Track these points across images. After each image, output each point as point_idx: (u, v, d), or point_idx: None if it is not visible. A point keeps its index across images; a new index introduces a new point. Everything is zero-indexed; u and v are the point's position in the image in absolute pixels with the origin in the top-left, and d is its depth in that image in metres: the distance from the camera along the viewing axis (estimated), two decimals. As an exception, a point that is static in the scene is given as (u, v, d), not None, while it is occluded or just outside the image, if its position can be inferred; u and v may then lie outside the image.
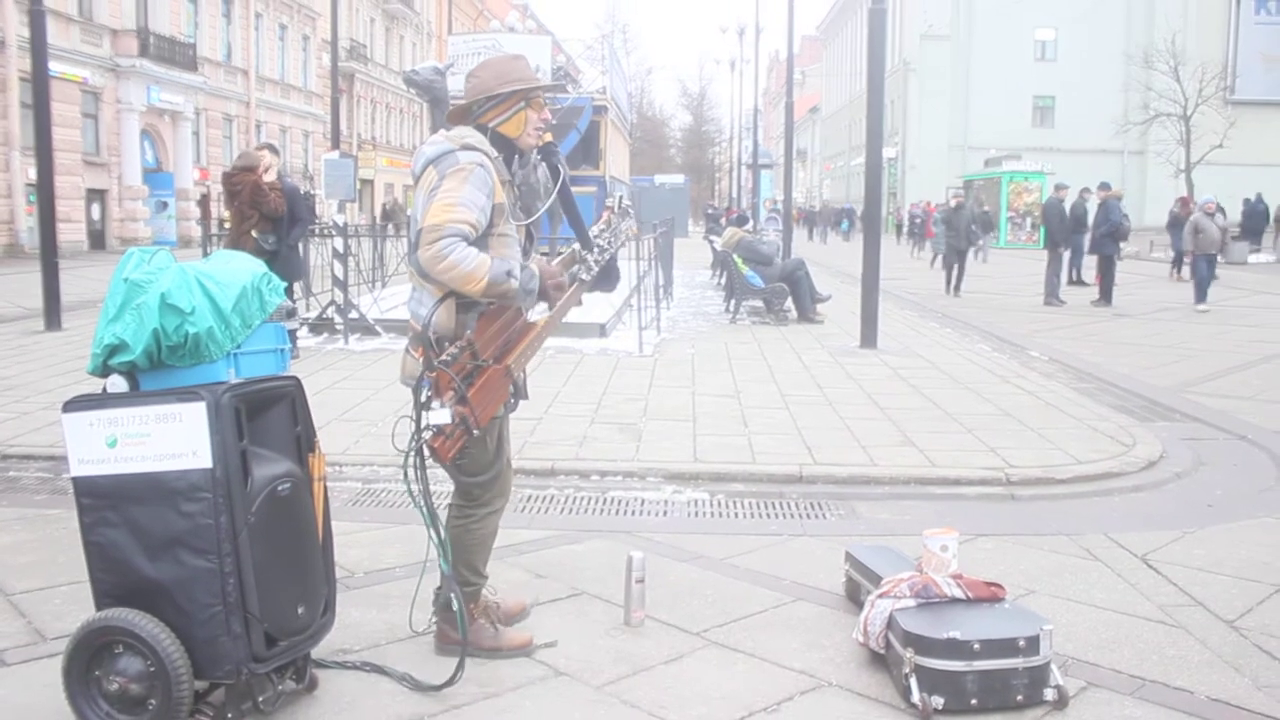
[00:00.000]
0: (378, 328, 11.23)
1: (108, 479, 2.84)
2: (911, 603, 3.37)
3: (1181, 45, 37.16)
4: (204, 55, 33.08)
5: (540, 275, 3.33)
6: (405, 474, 3.13)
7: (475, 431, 3.13)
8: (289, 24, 40.61)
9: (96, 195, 28.18)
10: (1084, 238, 19.20)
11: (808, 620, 3.86)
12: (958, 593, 3.41)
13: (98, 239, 28.09)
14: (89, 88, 27.64)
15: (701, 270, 22.41)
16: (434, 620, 3.52)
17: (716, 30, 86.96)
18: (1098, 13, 49.36)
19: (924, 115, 52.37)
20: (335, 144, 19.72)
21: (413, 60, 47.98)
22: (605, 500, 5.48)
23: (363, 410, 7.29)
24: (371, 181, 45.54)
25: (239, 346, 2.98)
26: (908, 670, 3.15)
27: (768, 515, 5.28)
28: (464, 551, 3.46)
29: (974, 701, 3.12)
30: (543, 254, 3.84)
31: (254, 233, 9.27)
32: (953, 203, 20.33)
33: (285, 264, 9.15)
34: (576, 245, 3.64)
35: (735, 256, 13.79)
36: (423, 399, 3.08)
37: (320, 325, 11.49)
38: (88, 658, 2.85)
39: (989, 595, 3.44)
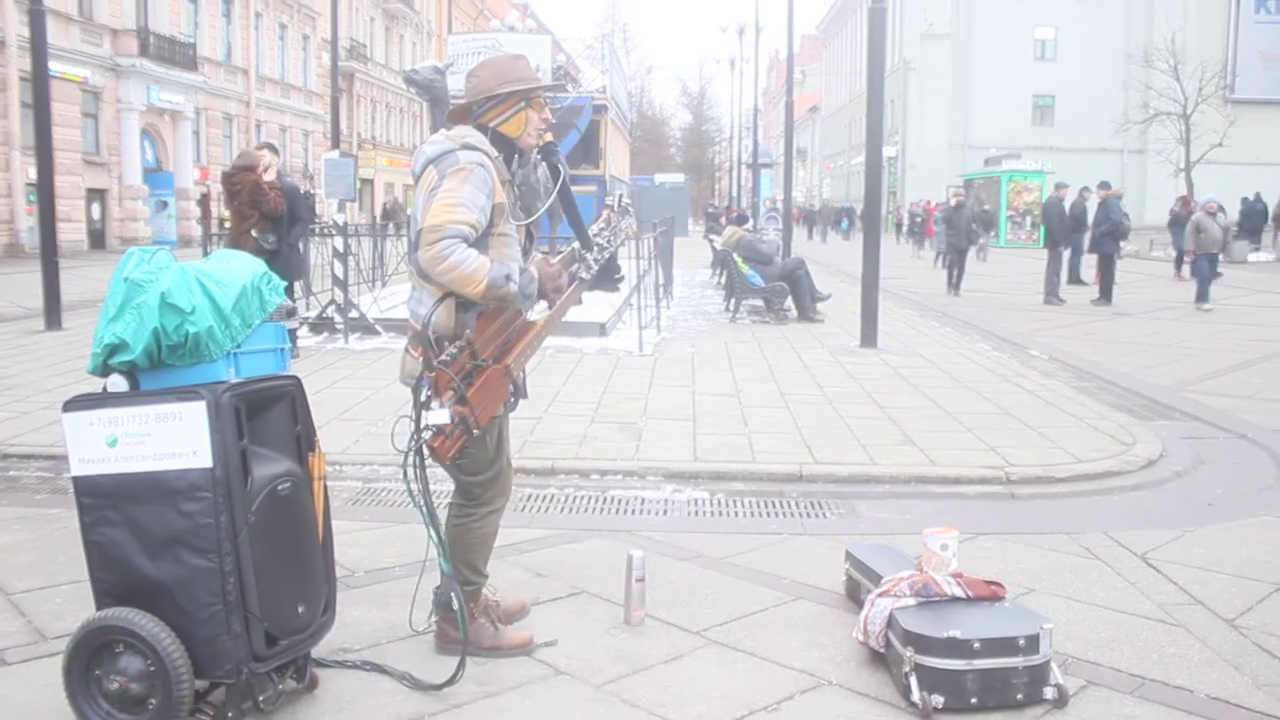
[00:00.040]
0: (378, 327, 11.23)
1: (108, 478, 2.84)
2: (911, 601, 3.38)
3: (1181, 44, 37.14)
4: (204, 55, 33.08)
5: (540, 278, 3.33)
6: (405, 473, 3.13)
7: (475, 431, 3.13)
8: (289, 23, 40.60)
9: (97, 195, 28.19)
10: (1084, 237, 19.20)
11: (808, 619, 3.86)
12: (958, 591, 3.41)
13: (98, 238, 28.10)
14: (89, 87, 27.64)
15: (701, 269, 22.41)
16: (434, 619, 3.52)
17: (716, 29, 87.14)
18: (1098, 12, 49.37)
19: (924, 114, 52.36)
20: (335, 143, 19.73)
21: (413, 60, 47.97)
22: (605, 499, 5.48)
23: (363, 409, 7.29)
24: (371, 181, 45.54)
25: (239, 346, 2.98)
26: (908, 669, 3.15)
27: (768, 514, 5.28)
28: (464, 550, 3.46)
29: (974, 700, 3.13)
30: (543, 253, 3.84)
31: (254, 232, 9.28)
32: (953, 202, 20.34)
33: (285, 263, 9.15)
34: (576, 244, 3.64)
35: (735, 255, 13.80)
36: (422, 399, 3.09)
37: (320, 324, 11.49)
38: (88, 657, 2.85)
39: (989, 594, 3.44)
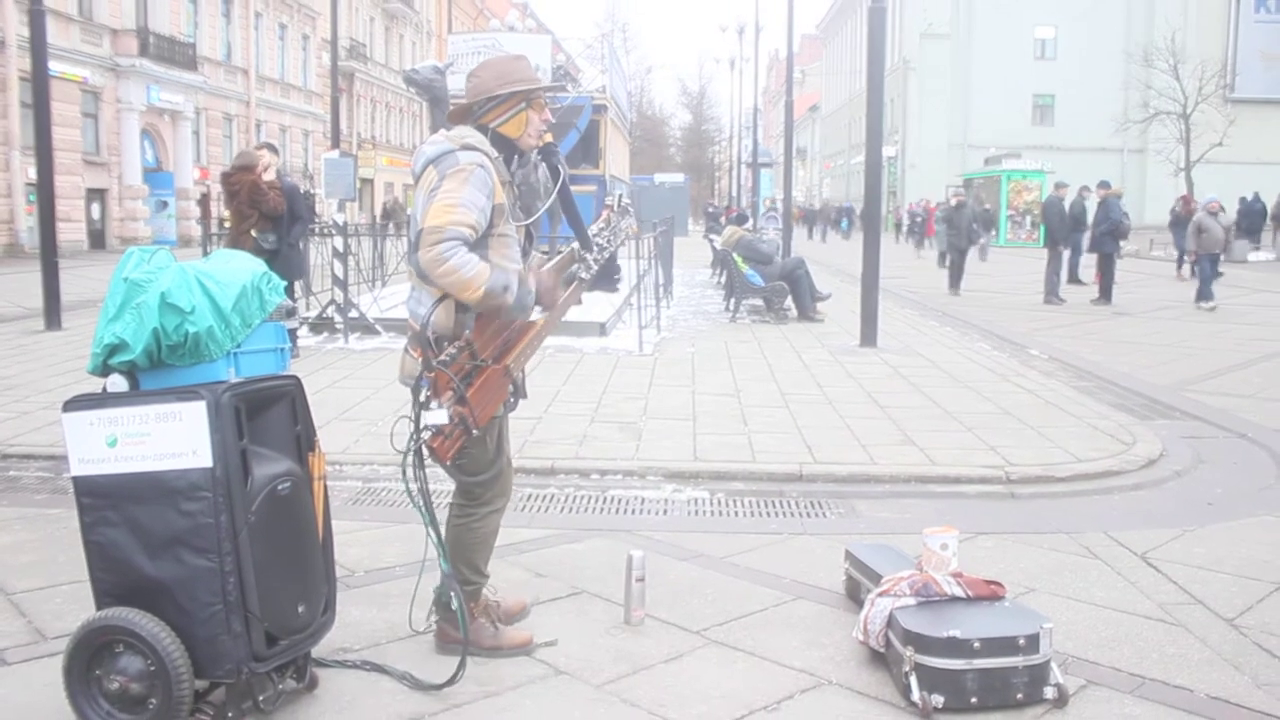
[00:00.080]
0: (378, 327, 11.23)
1: (108, 478, 2.84)
2: (911, 601, 3.38)
3: (1181, 43, 37.14)
4: (204, 55, 33.08)
5: (537, 291, 3.32)
6: (404, 473, 3.14)
7: (474, 431, 3.13)
8: (289, 23, 40.60)
9: (96, 195, 28.19)
10: (1083, 236, 19.20)
11: (808, 619, 3.86)
12: (958, 591, 3.41)
13: (98, 238, 28.09)
14: (89, 87, 27.64)
15: (701, 269, 22.41)
16: (434, 619, 3.52)
17: (716, 29, 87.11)
18: (1097, 11, 49.37)
19: (924, 114, 52.36)
20: (335, 143, 19.75)
21: (413, 59, 47.97)
22: (605, 499, 5.48)
23: (363, 409, 7.29)
24: (371, 181, 45.54)
25: (239, 346, 2.98)
26: (908, 668, 3.15)
27: (768, 514, 5.28)
28: (465, 550, 3.46)
29: (974, 700, 3.13)
30: (543, 252, 3.84)
31: (253, 232, 9.28)
32: (954, 201, 20.32)
33: (285, 263, 9.16)
34: (576, 245, 3.64)
35: (735, 255, 13.80)
36: (421, 399, 3.09)
37: (320, 324, 11.49)
38: (88, 657, 2.85)
39: (989, 593, 3.44)
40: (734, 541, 4.75)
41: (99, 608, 2.89)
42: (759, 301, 13.95)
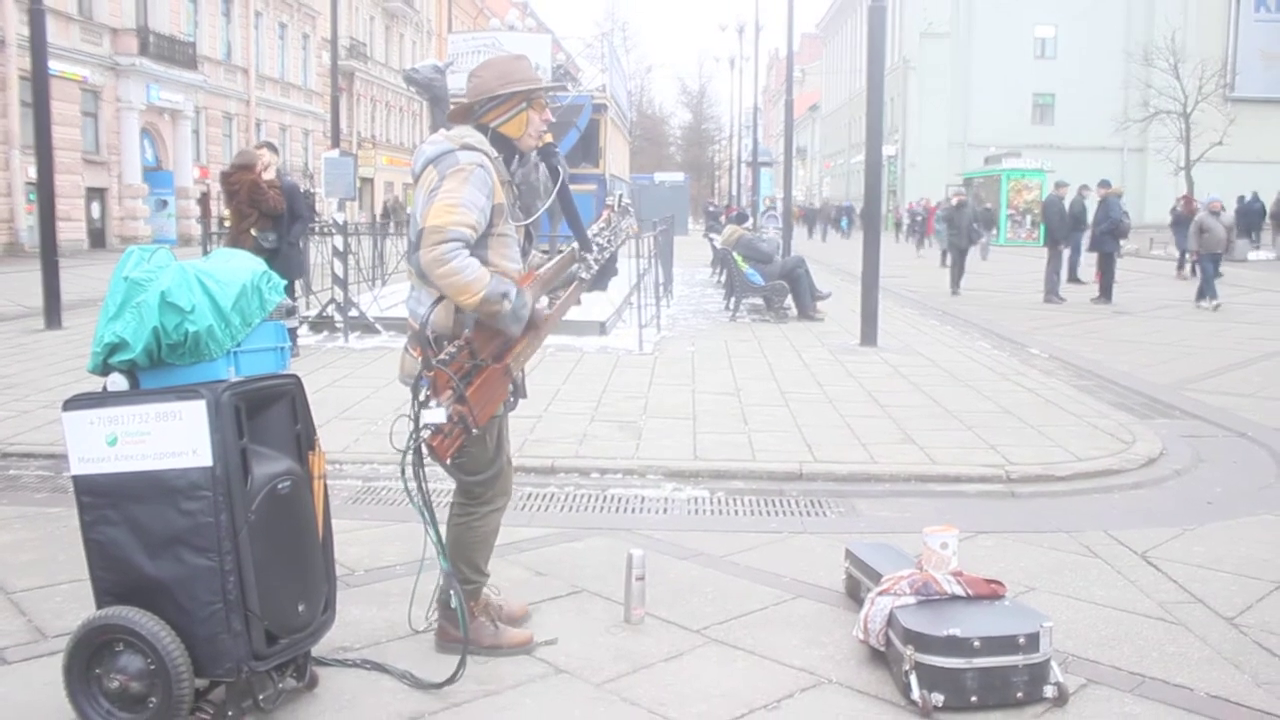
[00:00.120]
0: (377, 325, 11.23)
1: (108, 477, 2.84)
2: (911, 600, 3.38)
3: (1181, 42, 37.10)
4: (204, 54, 33.07)
5: (531, 309, 3.30)
6: (403, 472, 3.14)
7: (474, 430, 3.13)
8: (289, 22, 40.59)
9: (96, 194, 28.18)
10: (1083, 235, 19.19)
11: (808, 617, 3.86)
12: (958, 590, 3.42)
13: (98, 237, 28.09)
14: (89, 86, 27.63)
15: (701, 268, 22.41)
16: (434, 618, 3.52)
17: (716, 28, 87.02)
18: (1097, 10, 49.35)
19: (924, 113, 52.35)
20: (335, 142, 19.76)
21: (413, 58, 47.96)
22: (605, 498, 5.48)
23: (363, 408, 7.29)
24: (371, 180, 45.54)
25: (239, 345, 2.98)
26: (908, 667, 3.15)
27: (768, 513, 5.28)
28: (465, 549, 3.46)
29: (974, 699, 3.13)
30: (543, 252, 3.84)
31: (253, 231, 9.28)
32: (954, 201, 20.31)
33: (285, 262, 9.16)
34: (576, 245, 3.64)
35: (735, 254, 13.79)
36: (421, 398, 3.09)
37: (320, 323, 11.50)
38: (88, 656, 2.85)
39: (989, 592, 3.44)
40: (734, 540, 4.75)
41: (99, 606, 2.90)
42: (759, 300, 13.95)
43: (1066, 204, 17.60)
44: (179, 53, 30.96)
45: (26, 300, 13.65)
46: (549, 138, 3.48)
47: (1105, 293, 16.61)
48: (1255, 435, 7.11)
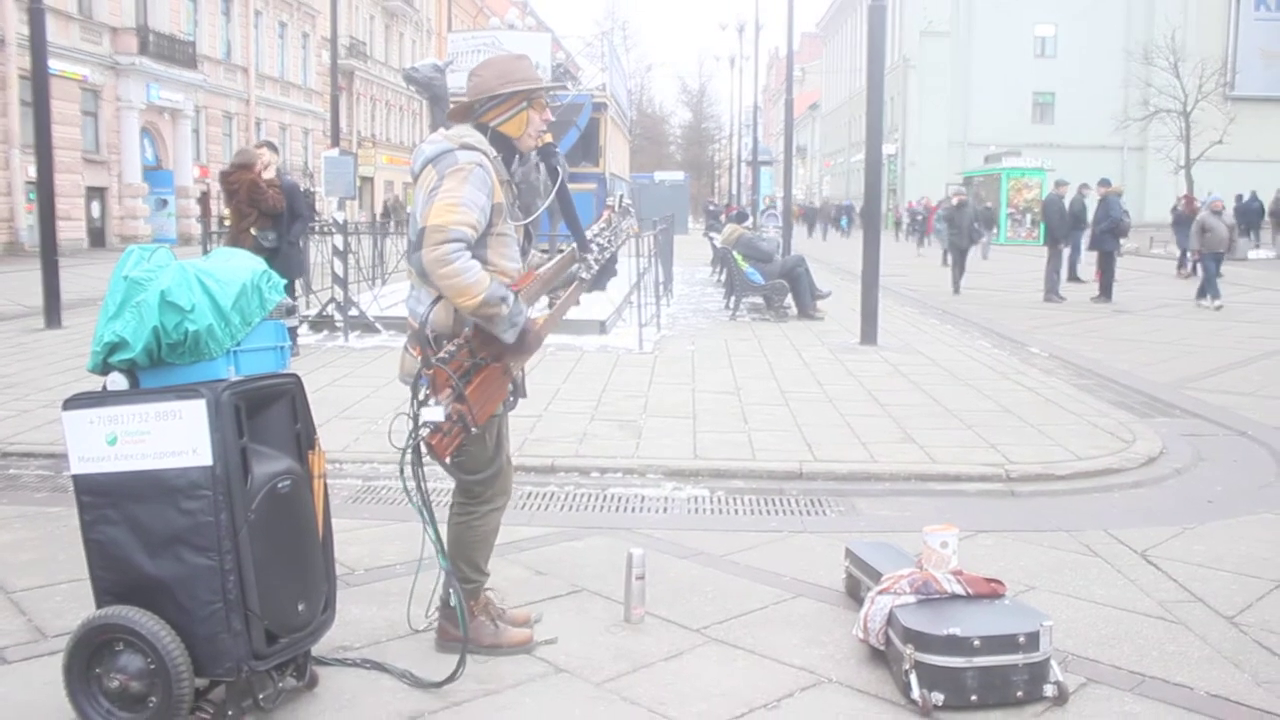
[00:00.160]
0: (377, 325, 11.23)
1: (108, 477, 2.84)
2: (911, 599, 3.38)
3: (1181, 41, 37.08)
4: (203, 53, 33.07)
5: (526, 321, 3.28)
6: (402, 471, 3.14)
7: (473, 429, 3.13)
8: (288, 21, 40.58)
9: (96, 193, 28.18)
10: (1083, 234, 19.18)
11: (808, 617, 3.86)
12: (958, 589, 3.42)
13: (98, 237, 28.09)
14: (89, 85, 27.63)
15: (701, 267, 22.41)
16: (434, 617, 3.52)
17: (716, 27, 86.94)
18: (1097, 9, 49.34)
19: (924, 112, 52.34)
20: (335, 141, 19.77)
21: (412, 57, 47.93)
22: (605, 497, 5.48)
23: (362, 407, 7.29)
24: (371, 179, 45.53)
25: (239, 344, 2.98)
26: (908, 666, 3.15)
27: (768, 512, 5.28)
28: (465, 548, 3.46)
29: (974, 698, 3.13)
30: (543, 251, 3.83)
31: (253, 230, 9.28)
32: (955, 201, 20.29)
33: (285, 261, 9.16)
34: (575, 245, 3.63)
35: (735, 253, 13.79)
36: (420, 397, 3.09)
37: (320, 322, 11.50)
38: (88, 655, 2.85)
39: (989, 591, 3.44)
40: (734, 539, 4.75)
41: (99, 606, 2.90)
42: (759, 299, 13.95)
43: (1066, 203, 17.60)
44: (179, 52, 30.95)
45: (26, 299, 13.66)
46: (548, 137, 3.48)
47: (1105, 291, 16.61)
48: (1255, 434, 7.11)
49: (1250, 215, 30.26)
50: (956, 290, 17.84)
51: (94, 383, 3.01)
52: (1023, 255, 27.83)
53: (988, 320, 13.84)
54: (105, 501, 2.85)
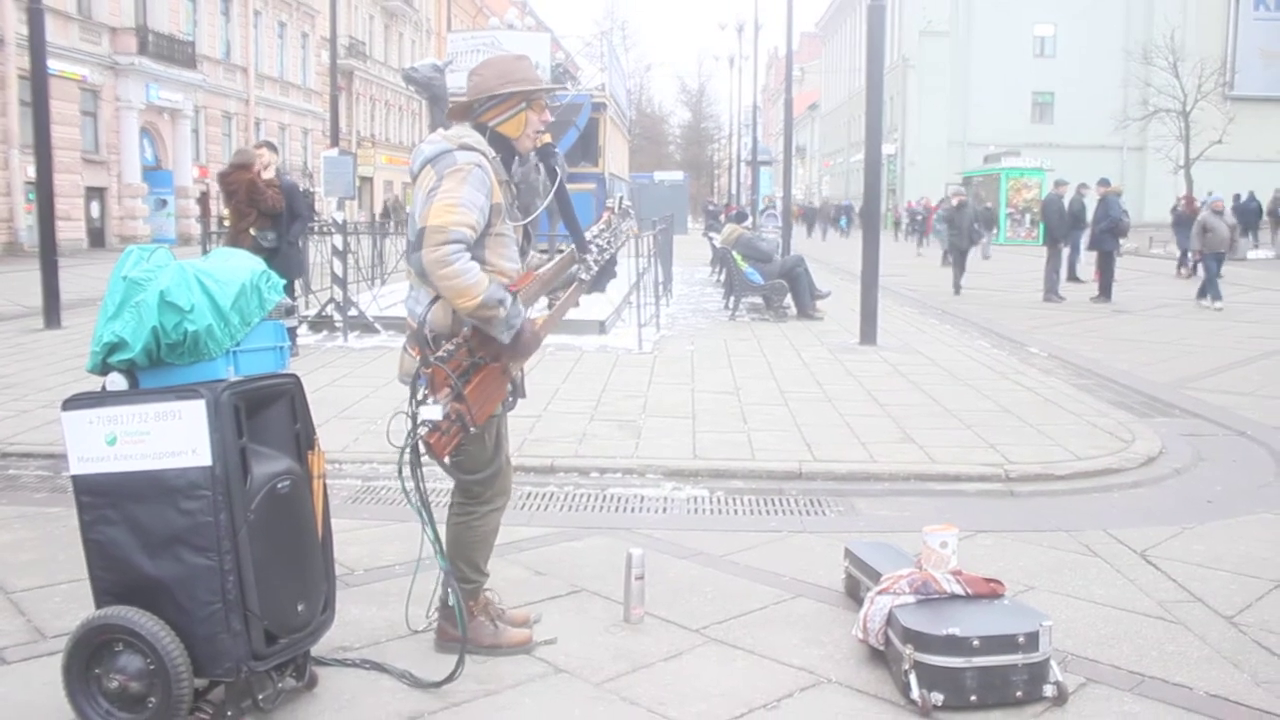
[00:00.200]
0: (377, 325, 11.23)
1: (107, 477, 2.84)
2: (911, 599, 3.38)
3: (1181, 41, 37.08)
4: (203, 53, 33.06)
5: (523, 324, 3.28)
6: (400, 471, 3.14)
7: (472, 429, 3.13)
8: (288, 21, 40.57)
9: (96, 193, 28.17)
10: (1083, 234, 19.18)
11: (807, 617, 3.86)
12: (957, 589, 3.42)
13: (97, 237, 28.08)
14: (88, 85, 27.62)
15: (701, 267, 22.41)
16: (434, 617, 3.52)
17: (715, 27, 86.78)
18: (1097, 9, 49.33)
19: (923, 111, 52.34)
20: (334, 141, 19.74)
21: (412, 57, 47.90)
22: (605, 497, 5.48)
23: (362, 408, 7.29)
24: (371, 179, 45.52)
25: (238, 344, 2.98)
26: (907, 667, 3.15)
27: (767, 512, 5.28)
28: (465, 549, 3.46)
29: (973, 698, 3.13)
30: (542, 251, 3.83)
31: (252, 230, 9.27)
32: (955, 201, 20.28)
33: (285, 261, 9.15)
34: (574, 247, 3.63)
35: (734, 253, 13.79)
36: (419, 396, 3.09)
37: (319, 322, 11.49)
38: (87, 655, 2.85)
39: (988, 591, 3.44)
40: (733, 539, 4.75)
41: (98, 606, 2.89)
42: (758, 299, 13.95)
43: (1066, 203, 17.60)
44: (178, 52, 30.95)
45: (26, 300, 13.65)
46: (547, 138, 3.48)
47: (1105, 291, 16.61)
48: (1255, 434, 7.11)
49: (1248, 215, 30.24)
50: (957, 291, 17.82)
51: (93, 383, 3.01)
52: (1022, 255, 27.83)
53: (987, 320, 13.84)
54: (105, 502, 2.85)
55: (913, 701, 3.12)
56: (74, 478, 2.89)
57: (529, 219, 3.49)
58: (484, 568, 3.54)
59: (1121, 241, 17.93)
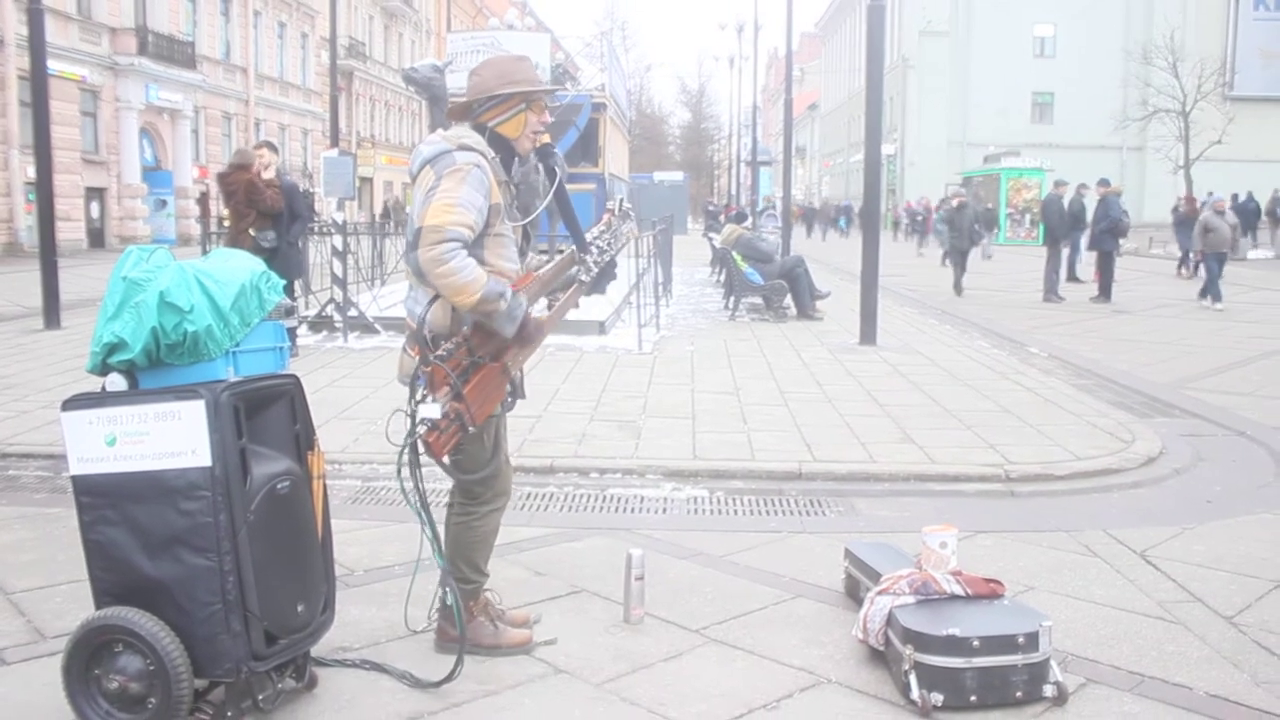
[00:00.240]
0: (377, 325, 11.23)
1: (107, 477, 2.84)
2: (911, 599, 3.38)
3: (1180, 41, 37.08)
4: (203, 53, 33.05)
5: (526, 314, 3.29)
6: (399, 471, 3.14)
7: (470, 428, 3.13)
8: (287, 22, 40.57)
9: (95, 193, 28.16)
10: (1082, 234, 19.18)
11: (807, 617, 3.86)
12: (957, 589, 3.42)
13: (97, 237, 28.07)
14: (88, 86, 27.60)
15: (701, 267, 22.41)
16: (434, 618, 3.52)
17: (715, 27, 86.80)
18: (1097, 9, 49.35)
19: (923, 112, 52.33)
20: (334, 142, 19.74)
21: (412, 58, 47.90)
22: (605, 497, 5.48)
23: (362, 408, 7.28)
24: (370, 179, 45.52)
25: (238, 344, 2.98)
26: (907, 667, 3.15)
27: (767, 512, 5.28)
28: (465, 549, 3.46)
29: (973, 698, 3.13)
30: (542, 252, 3.83)
31: (252, 230, 9.27)
32: (955, 202, 20.26)
33: (285, 261, 9.15)
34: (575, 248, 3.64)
35: (734, 254, 13.79)
36: (418, 395, 3.09)
37: (319, 323, 11.49)
38: (87, 656, 2.85)
39: (988, 592, 3.44)
40: (733, 540, 4.75)
41: (98, 607, 2.89)
42: (758, 300, 13.95)
43: (1065, 203, 17.60)
44: (178, 52, 30.94)
45: (25, 300, 13.65)
46: (546, 138, 3.48)
47: (1104, 292, 16.61)
48: (1254, 434, 7.11)
49: (1246, 216, 30.24)
50: (958, 292, 17.81)
51: (93, 383, 3.01)
52: (1022, 255, 27.83)
53: (987, 320, 13.85)
54: (104, 502, 2.85)
55: (913, 702, 3.12)
56: (74, 478, 2.89)
57: (528, 219, 3.49)
58: (484, 568, 3.54)
59: (1121, 242, 17.93)
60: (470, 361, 3.14)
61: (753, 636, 3.66)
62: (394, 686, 3.24)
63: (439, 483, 4.11)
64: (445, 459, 3.18)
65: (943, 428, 6.90)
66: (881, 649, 3.38)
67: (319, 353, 10.12)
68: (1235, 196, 30.19)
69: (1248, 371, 9.96)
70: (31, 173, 16.96)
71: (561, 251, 3.60)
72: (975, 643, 3.13)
